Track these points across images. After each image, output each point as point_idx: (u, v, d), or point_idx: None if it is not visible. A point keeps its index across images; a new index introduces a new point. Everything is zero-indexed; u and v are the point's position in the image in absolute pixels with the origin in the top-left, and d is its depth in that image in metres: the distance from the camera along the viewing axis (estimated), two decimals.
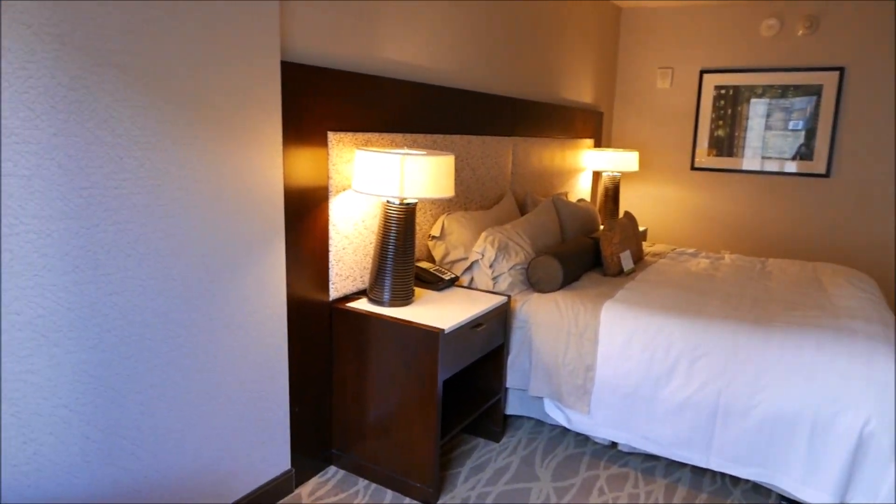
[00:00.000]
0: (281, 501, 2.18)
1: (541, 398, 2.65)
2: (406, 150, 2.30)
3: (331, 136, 2.20)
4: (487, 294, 2.53)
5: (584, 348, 2.47)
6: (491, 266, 2.67)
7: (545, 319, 2.56)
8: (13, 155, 1.35)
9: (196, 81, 1.70)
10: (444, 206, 2.91)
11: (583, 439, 2.69)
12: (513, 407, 2.74)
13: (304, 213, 2.15)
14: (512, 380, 2.65)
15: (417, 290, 2.51)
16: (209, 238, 1.81)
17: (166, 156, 1.66)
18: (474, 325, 2.28)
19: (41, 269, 1.43)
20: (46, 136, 1.40)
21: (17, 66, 1.33)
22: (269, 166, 1.96)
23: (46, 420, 1.49)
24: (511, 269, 2.71)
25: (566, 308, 2.55)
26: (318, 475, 2.35)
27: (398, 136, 2.53)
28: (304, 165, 2.12)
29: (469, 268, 2.74)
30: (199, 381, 1.84)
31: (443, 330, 2.08)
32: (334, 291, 2.32)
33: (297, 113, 2.07)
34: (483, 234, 2.70)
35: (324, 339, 2.31)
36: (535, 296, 2.67)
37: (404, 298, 2.29)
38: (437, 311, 2.26)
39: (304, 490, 2.25)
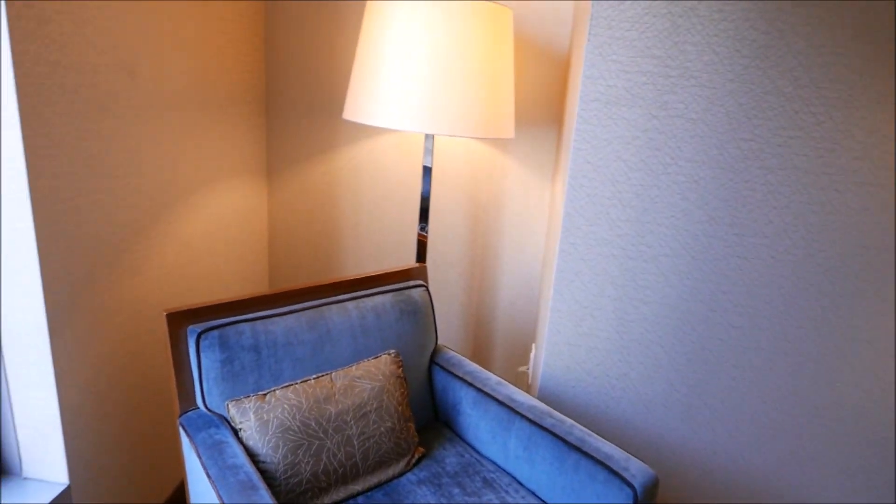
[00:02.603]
0: None
1: None
2: None
3: None
4: None
5: None
6: None
7: None
8: (686, 97, 1.40)
9: None
10: None
11: None
12: None
13: None
14: None
15: None
16: (875, 228, 1.42)
17: (849, 115, 1.36)
18: None
19: (678, 212, 1.47)
20: (722, 82, 1.38)
21: (714, 9, 1.33)
22: None
23: (643, 351, 1.58)
24: None
25: None
26: None
27: None
28: None
29: None
30: (793, 386, 1.55)
31: None
32: None
33: None
34: None
35: None
36: None
37: None
38: None
39: None
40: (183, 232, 1.66)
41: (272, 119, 2.02)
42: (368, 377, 1.38)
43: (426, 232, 1.77)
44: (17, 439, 1.28)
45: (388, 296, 1.54)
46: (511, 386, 1.50)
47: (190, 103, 1.62)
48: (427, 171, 1.72)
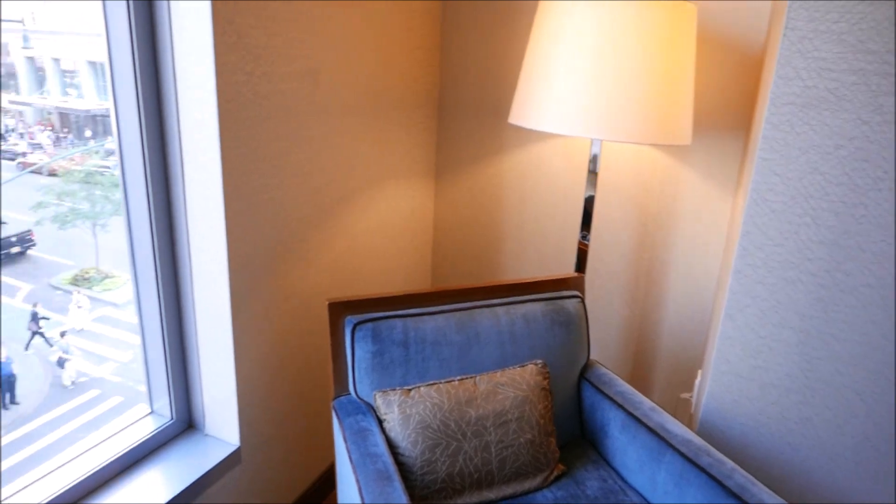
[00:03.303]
0: None
1: None
2: None
3: None
4: None
5: None
6: None
7: None
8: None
9: None
10: None
11: None
12: None
13: None
14: None
15: None
16: None
17: None
18: None
19: (892, 237, 1.24)
20: None
21: None
22: None
23: (833, 395, 1.36)
24: None
25: None
26: None
27: None
28: None
29: None
30: None
31: None
32: None
33: None
34: None
35: None
36: None
37: None
38: None
39: None
40: (353, 228, 1.78)
41: (443, 121, 2.08)
42: (512, 385, 1.36)
43: (587, 241, 1.70)
44: (202, 401, 1.47)
45: (540, 304, 1.50)
46: (665, 413, 1.38)
47: (367, 107, 1.73)
48: (592, 178, 1.65)
